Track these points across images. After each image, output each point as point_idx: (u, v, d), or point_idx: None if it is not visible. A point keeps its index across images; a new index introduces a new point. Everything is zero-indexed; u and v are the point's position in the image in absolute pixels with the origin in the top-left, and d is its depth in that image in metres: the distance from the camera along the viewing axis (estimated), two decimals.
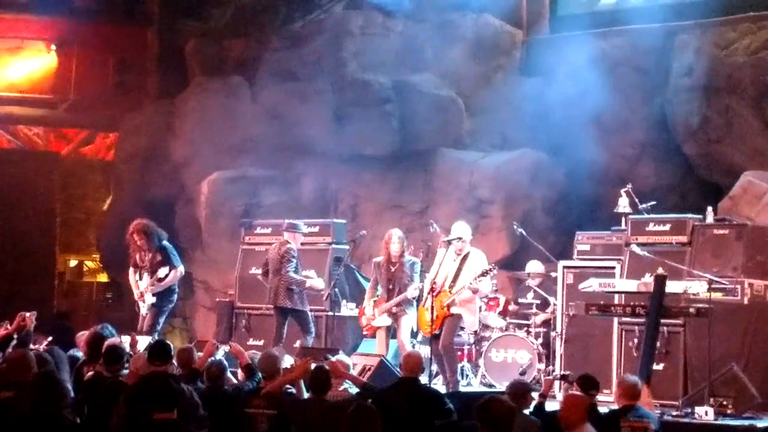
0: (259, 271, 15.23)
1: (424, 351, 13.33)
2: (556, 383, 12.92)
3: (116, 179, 21.63)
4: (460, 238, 13.75)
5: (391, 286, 13.99)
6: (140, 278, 15.03)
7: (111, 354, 10.53)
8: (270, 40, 19.63)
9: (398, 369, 11.66)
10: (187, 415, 9.38)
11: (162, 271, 14.82)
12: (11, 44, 22.01)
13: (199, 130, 19.63)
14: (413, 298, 13.89)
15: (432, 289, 13.36)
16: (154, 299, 14.84)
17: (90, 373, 11.04)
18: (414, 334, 14.27)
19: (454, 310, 13.44)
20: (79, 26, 22.01)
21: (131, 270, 15.22)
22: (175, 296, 15.37)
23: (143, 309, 14.91)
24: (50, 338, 13.41)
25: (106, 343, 11.19)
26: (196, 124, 19.70)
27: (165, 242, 15.19)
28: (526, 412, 9.95)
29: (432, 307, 13.33)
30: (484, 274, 13.41)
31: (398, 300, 13.87)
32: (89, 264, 24.44)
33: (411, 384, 10.54)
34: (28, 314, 13.08)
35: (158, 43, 22.06)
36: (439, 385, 13.41)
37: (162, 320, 15.04)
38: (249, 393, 10.52)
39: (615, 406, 10.08)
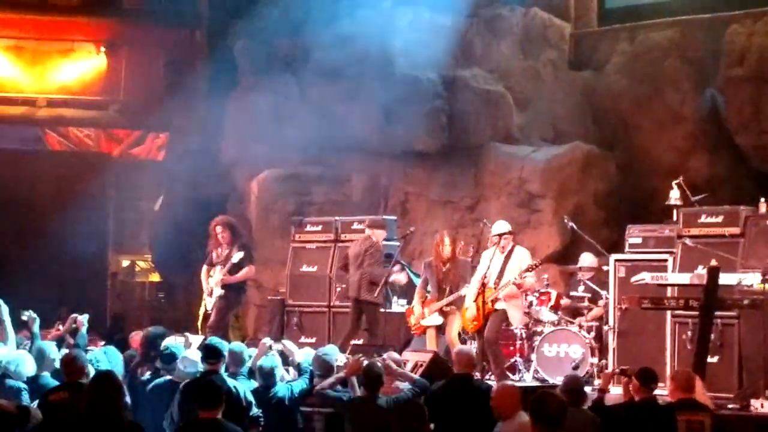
0: (313, 269, 15.32)
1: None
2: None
3: (167, 179, 21.75)
4: (511, 232, 13.77)
5: (444, 286, 14.02)
6: (212, 274, 15.09)
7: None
8: (318, 38, 19.65)
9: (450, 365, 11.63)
10: (239, 415, 9.41)
11: (236, 256, 14.87)
12: (62, 46, 22.17)
13: (249, 129, 19.70)
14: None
15: (483, 285, 13.38)
16: (222, 292, 14.90)
17: (148, 373, 11.12)
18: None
19: (498, 305, 13.44)
20: (128, 27, 22.15)
21: (205, 267, 15.30)
22: (244, 296, 15.44)
23: (209, 304, 14.98)
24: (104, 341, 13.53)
25: (164, 342, 11.23)
26: (246, 123, 19.77)
27: (246, 242, 15.32)
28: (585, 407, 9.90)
29: (479, 304, 13.40)
30: (529, 269, 13.44)
31: (452, 298, 13.90)
32: (141, 264, 24.60)
33: (464, 380, 10.53)
34: (79, 317, 13.21)
35: (207, 42, 22.15)
36: (493, 381, 13.38)
37: (228, 317, 15.07)
38: (302, 392, 10.55)
39: (669, 400, 10.00)
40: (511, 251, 13.66)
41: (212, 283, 15.06)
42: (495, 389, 8.94)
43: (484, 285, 13.42)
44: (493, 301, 13.44)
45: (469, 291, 13.80)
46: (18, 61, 22.15)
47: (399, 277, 15.04)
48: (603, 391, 10.54)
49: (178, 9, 22.42)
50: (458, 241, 14.48)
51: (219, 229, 15.18)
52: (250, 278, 15.54)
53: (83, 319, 13.27)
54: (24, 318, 12.36)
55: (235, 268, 15.02)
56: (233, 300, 15.21)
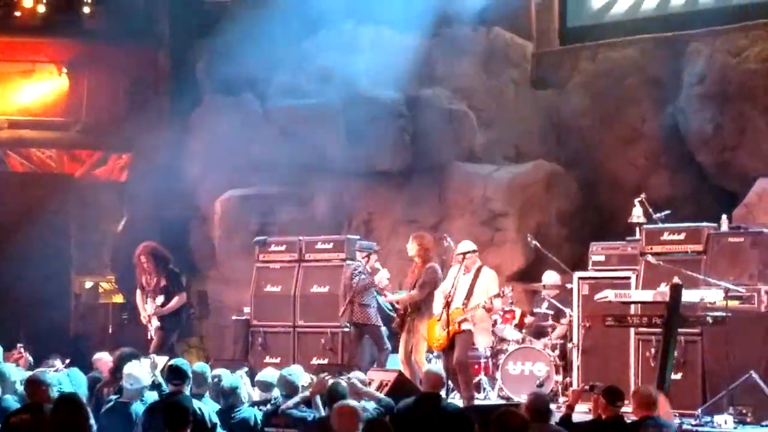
0: (277, 289, 15.49)
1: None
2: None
3: (130, 200, 21.65)
4: (474, 251, 13.81)
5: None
6: (146, 302, 15.24)
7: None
8: (281, 58, 19.64)
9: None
10: None
11: (159, 299, 15.04)
12: (23, 67, 22.05)
13: (212, 149, 19.66)
14: None
15: (447, 304, 13.37)
16: (159, 323, 15.08)
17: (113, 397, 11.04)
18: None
19: (465, 326, 13.45)
20: (90, 48, 22.03)
21: (138, 292, 15.51)
22: (183, 316, 15.53)
23: (151, 331, 15.14)
24: (68, 360, 13.44)
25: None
26: (209, 142, 19.73)
27: (171, 266, 15.35)
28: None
29: (445, 323, 13.40)
30: (497, 296, 13.47)
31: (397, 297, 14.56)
32: (105, 285, 24.43)
33: (432, 399, 10.52)
34: (24, 354, 13.34)
35: (170, 62, 22.07)
36: (457, 400, 13.38)
37: (170, 341, 15.12)
38: (267, 412, 10.50)
39: (633, 418, 10.03)
40: (478, 271, 13.67)
41: (149, 310, 15.22)
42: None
43: (448, 303, 13.41)
44: (460, 322, 13.44)
45: (437, 305, 13.79)
46: None
47: (382, 274, 14.99)
48: (570, 407, 10.55)
49: (139, 29, 22.33)
50: (429, 243, 14.44)
51: (143, 258, 15.35)
52: (179, 305, 15.55)
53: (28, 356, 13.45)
54: None
55: (165, 295, 15.12)
56: (171, 326, 15.32)
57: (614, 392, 9.98)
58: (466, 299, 13.48)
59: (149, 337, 15.22)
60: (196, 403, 9.91)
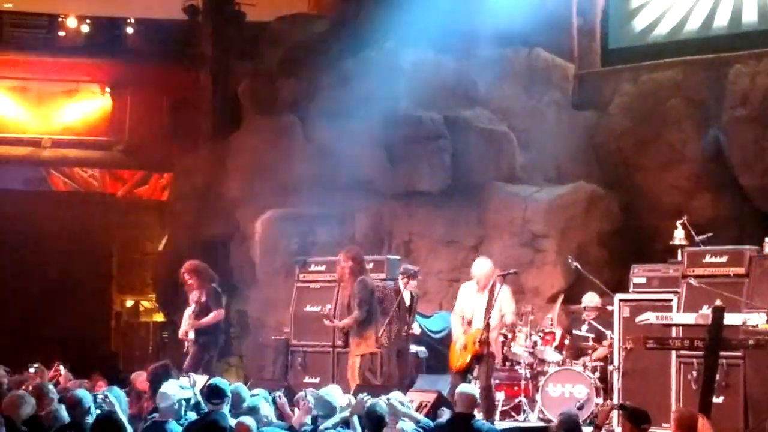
0: (317, 308, 15.47)
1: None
2: (614, 415, 12.83)
3: (171, 219, 21.77)
4: (515, 272, 13.88)
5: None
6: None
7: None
8: (321, 79, 19.70)
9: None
10: None
11: (193, 308, 15.10)
12: (67, 87, 22.31)
13: (252, 169, 19.74)
14: None
15: (467, 323, 13.56)
16: (194, 336, 15.12)
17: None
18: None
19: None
20: (133, 68, 22.27)
21: (186, 311, 15.47)
22: (220, 334, 15.53)
23: (187, 346, 15.20)
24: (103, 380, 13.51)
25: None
26: (250, 163, 19.81)
27: (213, 284, 15.40)
28: None
29: (469, 343, 13.55)
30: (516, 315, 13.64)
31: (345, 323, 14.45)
32: (145, 304, 24.60)
33: (466, 420, 10.49)
34: (63, 371, 13.38)
35: (211, 83, 22.22)
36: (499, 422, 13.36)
37: (205, 357, 15.10)
38: None
39: None
40: (492, 287, 13.67)
41: (185, 326, 15.28)
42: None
43: (468, 323, 13.54)
44: (482, 343, 13.44)
45: (454, 327, 13.93)
46: (23, 102, 22.27)
47: None
48: (598, 428, 10.47)
49: (182, 50, 22.51)
50: (360, 255, 14.55)
51: (186, 276, 15.41)
52: (218, 322, 15.57)
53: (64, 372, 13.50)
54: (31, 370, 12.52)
55: (202, 312, 15.15)
56: (206, 343, 15.28)
57: (640, 415, 9.89)
58: (486, 317, 13.50)
59: (185, 352, 15.25)
60: (232, 422, 9.91)
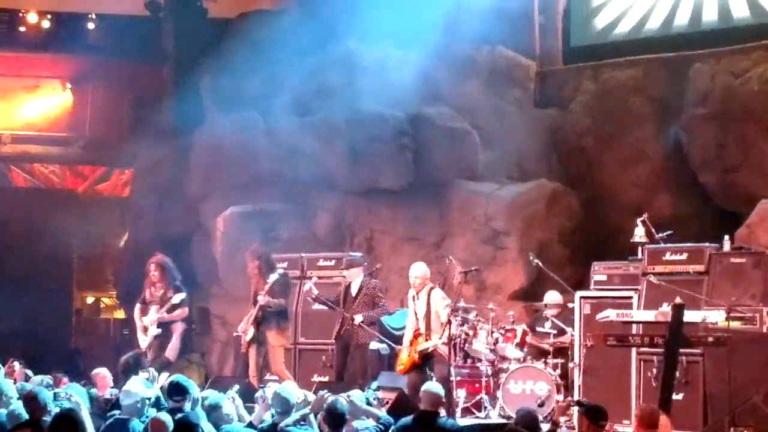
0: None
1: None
2: (574, 412, 12.88)
3: (132, 216, 21.70)
4: (477, 269, 14.04)
5: None
6: (145, 313, 15.24)
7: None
8: (285, 75, 19.67)
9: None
10: None
11: (177, 297, 15.05)
12: (27, 83, 22.17)
13: (214, 166, 19.70)
14: None
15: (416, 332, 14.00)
16: (158, 331, 15.05)
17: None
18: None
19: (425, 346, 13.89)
20: (94, 64, 22.15)
21: (138, 305, 15.48)
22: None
23: (144, 343, 15.12)
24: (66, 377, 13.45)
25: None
26: (212, 159, 19.76)
27: (178, 282, 15.40)
28: None
29: (411, 351, 14.07)
30: (448, 324, 13.67)
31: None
32: (106, 301, 24.51)
33: (431, 417, 10.50)
34: (17, 368, 13.34)
35: (173, 79, 22.13)
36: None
37: (164, 355, 15.07)
38: (263, 430, 10.43)
39: None
40: (429, 293, 13.90)
41: (146, 321, 15.22)
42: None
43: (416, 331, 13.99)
44: (419, 353, 13.75)
45: (405, 334, 14.29)
46: None
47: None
48: (556, 423, 10.49)
49: (144, 46, 22.42)
50: (266, 254, 14.88)
51: (152, 267, 15.39)
52: (180, 318, 15.60)
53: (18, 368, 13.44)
54: None
55: (172, 308, 15.15)
56: (168, 338, 15.25)
57: (598, 411, 9.92)
58: (426, 327, 13.90)
59: (144, 349, 15.18)
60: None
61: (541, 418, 11.26)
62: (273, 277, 14.58)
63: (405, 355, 14.16)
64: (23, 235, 21.45)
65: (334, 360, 15.34)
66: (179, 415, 9.61)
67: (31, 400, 10.00)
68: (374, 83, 18.77)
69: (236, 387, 11.63)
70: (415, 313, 14.05)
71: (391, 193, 18.44)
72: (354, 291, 14.72)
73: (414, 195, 18.30)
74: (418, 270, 14.24)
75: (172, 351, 14.81)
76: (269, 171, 19.17)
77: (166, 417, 9.01)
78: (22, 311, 21.01)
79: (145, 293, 15.51)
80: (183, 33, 22.13)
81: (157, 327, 15.20)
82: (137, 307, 15.57)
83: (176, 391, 10.22)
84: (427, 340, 14.00)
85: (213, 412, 10.47)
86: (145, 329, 15.26)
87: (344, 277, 15.19)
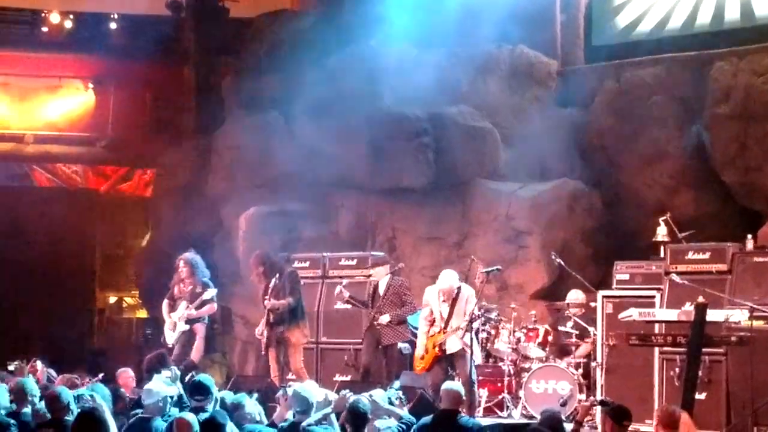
0: None
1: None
2: (597, 412, 12.88)
3: (154, 215, 21.75)
4: (499, 269, 14.02)
5: None
6: (174, 309, 15.28)
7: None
8: (305, 75, 19.69)
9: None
10: None
11: (209, 293, 15.08)
12: (49, 83, 22.23)
13: (236, 166, 19.73)
14: None
15: (431, 326, 13.83)
16: (186, 327, 15.09)
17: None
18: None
19: (453, 345, 13.69)
20: (116, 64, 22.20)
21: (166, 301, 15.52)
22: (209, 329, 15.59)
23: (171, 339, 15.16)
24: (97, 377, 13.47)
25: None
26: (234, 159, 19.80)
27: (208, 280, 15.47)
28: None
29: (430, 347, 13.83)
30: (473, 320, 13.59)
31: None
32: (128, 300, 24.57)
33: (451, 416, 10.51)
34: (40, 367, 13.38)
35: (195, 79, 22.19)
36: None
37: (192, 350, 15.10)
38: (283, 429, 10.45)
39: None
40: (458, 290, 13.80)
41: (175, 317, 15.27)
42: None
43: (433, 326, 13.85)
44: (441, 346, 13.60)
45: (419, 331, 14.11)
46: (5, 97, 22.19)
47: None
48: (579, 423, 10.49)
49: (165, 46, 22.47)
50: (266, 258, 14.96)
51: (181, 264, 15.45)
52: (210, 313, 15.66)
53: (41, 367, 13.49)
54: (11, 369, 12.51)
55: (201, 304, 15.20)
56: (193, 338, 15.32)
57: (621, 412, 9.93)
58: (447, 322, 13.73)
59: (171, 345, 15.22)
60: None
61: (563, 417, 11.25)
62: (273, 281, 14.60)
63: (423, 352, 13.97)
64: (46, 235, 21.51)
65: (359, 359, 15.38)
66: (204, 415, 9.63)
67: (53, 399, 10.05)
68: (395, 83, 18.79)
69: (255, 395, 11.63)
70: (440, 311, 13.91)
71: (413, 193, 18.44)
72: (381, 290, 14.72)
73: (435, 194, 18.29)
74: (452, 278, 13.97)
75: (196, 353, 14.82)
76: (290, 171, 19.19)
77: (191, 417, 9.04)
78: (45, 311, 21.08)
79: (173, 290, 15.56)
80: (204, 33, 22.18)
81: (186, 323, 15.25)
82: (165, 303, 15.62)
83: (199, 390, 10.25)
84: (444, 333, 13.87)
85: (235, 411, 10.51)
86: (174, 325, 15.31)
87: (368, 276, 15.21)
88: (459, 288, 13.88)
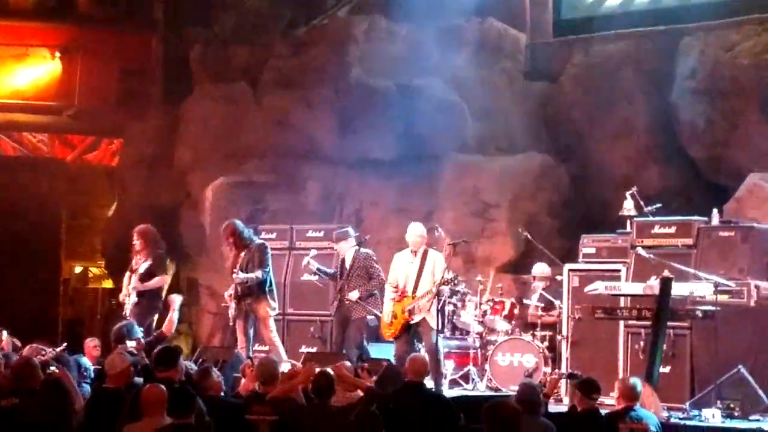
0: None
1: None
2: (562, 384, 12.94)
3: (121, 185, 21.64)
4: (466, 241, 14.01)
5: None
6: (130, 281, 15.24)
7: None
8: (274, 46, 19.63)
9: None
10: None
11: (143, 266, 15.00)
12: (16, 51, 22.01)
13: (203, 136, 19.66)
14: None
15: (402, 293, 13.68)
16: (136, 299, 14.97)
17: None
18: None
19: (417, 316, 13.57)
20: (83, 33, 22.02)
21: (127, 274, 15.43)
22: (160, 303, 15.42)
23: (127, 311, 15.07)
24: (65, 344, 13.41)
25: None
26: (201, 130, 19.72)
27: (159, 250, 15.34)
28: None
29: (398, 312, 13.76)
30: (445, 283, 13.48)
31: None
32: (94, 270, 24.45)
33: (417, 388, 10.52)
34: (4, 337, 13.34)
35: (163, 49, 22.05)
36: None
37: (145, 322, 14.95)
38: (252, 399, 10.45)
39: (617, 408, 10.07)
40: (424, 255, 13.76)
41: (128, 290, 15.22)
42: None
43: (400, 291, 13.76)
44: (410, 311, 13.59)
45: (386, 297, 14.03)
46: None
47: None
48: (547, 396, 10.54)
49: (133, 15, 22.32)
50: (239, 228, 14.80)
51: (135, 237, 15.39)
52: (161, 288, 15.55)
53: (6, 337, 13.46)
54: None
55: (147, 276, 15.10)
56: (146, 308, 15.17)
57: (590, 384, 10.00)
58: (415, 286, 13.69)
59: (123, 315, 15.12)
60: None
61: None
62: (243, 253, 14.55)
63: (392, 318, 13.88)
64: (11, 204, 21.38)
65: (325, 330, 15.39)
66: (172, 385, 9.58)
67: (20, 368, 10.00)
68: (364, 54, 18.75)
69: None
70: (406, 276, 13.88)
71: (381, 165, 18.43)
72: (348, 264, 14.65)
73: (404, 166, 18.28)
74: (418, 228, 14.07)
75: (169, 325, 14.74)
76: (258, 142, 19.15)
77: (158, 387, 9.00)
78: (9, 280, 20.96)
79: (132, 261, 15.51)
80: (172, 3, 22.03)
81: (137, 296, 15.13)
82: (126, 275, 15.56)
83: (166, 360, 10.21)
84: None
85: (200, 382, 10.49)
86: (127, 296, 15.24)
87: (335, 249, 15.18)
88: (426, 251, 13.86)
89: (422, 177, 18.23)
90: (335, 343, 14.86)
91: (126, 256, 15.93)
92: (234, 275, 14.47)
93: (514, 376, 13.94)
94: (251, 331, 14.67)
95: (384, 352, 14.26)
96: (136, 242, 15.38)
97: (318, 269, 15.03)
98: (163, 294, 15.66)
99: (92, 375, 11.89)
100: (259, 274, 14.44)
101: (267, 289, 14.63)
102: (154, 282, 15.17)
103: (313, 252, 15.36)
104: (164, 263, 15.56)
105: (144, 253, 15.27)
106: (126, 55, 22.46)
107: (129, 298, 15.14)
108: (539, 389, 10.20)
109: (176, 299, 14.75)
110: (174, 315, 14.63)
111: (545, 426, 9.58)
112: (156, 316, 15.33)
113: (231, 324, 14.79)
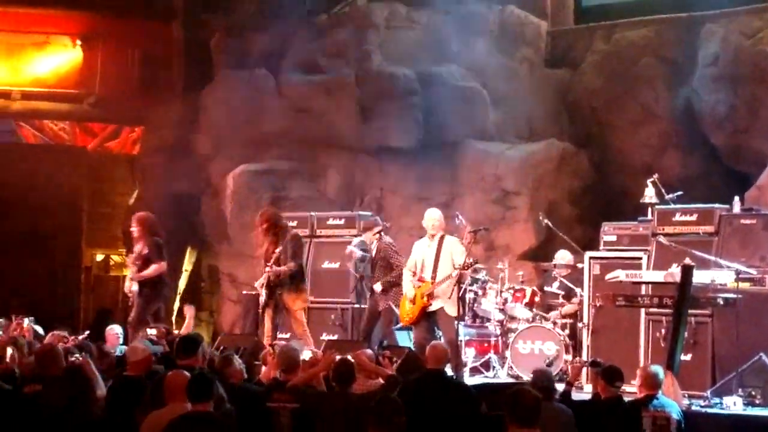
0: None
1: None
2: (584, 372, 12.92)
3: (142, 173, 21.69)
4: (486, 228, 13.97)
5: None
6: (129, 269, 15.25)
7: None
8: (294, 33, 19.63)
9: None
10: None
11: (140, 248, 14.99)
12: (37, 39, 22.07)
13: (224, 124, 19.68)
14: None
15: (420, 279, 13.63)
16: (137, 288, 14.91)
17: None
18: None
19: (436, 303, 13.52)
20: (104, 21, 22.05)
21: (129, 263, 15.41)
22: (164, 288, 15.36)
23: (131, 298, 15.04)
24: (87, 332, 13.46)
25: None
26: (222, 117, 19.74)
27: (156, 238, 15.22)
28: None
29: (417, 297, 13.61)
30: (466, 267, 13.42)
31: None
32: (116, 258, 24.50)
33: (438, 376, 10.52)
34: (26, 324, 13.32)
35: (183, 37, 22.07)
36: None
37: (149, 310, 14.92)
38: (273, 387, 10.46)
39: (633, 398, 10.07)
40: (441, 240, 13.71)
41: (129, 277, 15.21)
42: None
43: (418, 277, 13.66)
44: (429, 296, 13.52)
45: (405, 281, 13.90)
46: None
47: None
48: (570, 384, 10.54)
49: (154, 3, 22.34)
50: (273, 216, 14.63)
51: (132, 225, 15.31)
52: (161, 274, 15.44)
53: (27, 324, 13.47)
54: None
55: (145, 264, 15.02)
56: (149, 296, 15.10)
57: (613, 372, 9.98)
58: (434, 272, 13.57)
59: (129, 304, 15.11)
60: None
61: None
62: (279, 248, 14.42)
63: (410, 305, 13.77)
64: (33, 193, 21.43)
65: (345, 318, 15.37)
66: (193, 372, 9.60)
67: (43, 355, 10.05)
68: (384, 41, 18.74)
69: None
70: (423, 261, 13.84)
71: (401, 152, 18.43)
72: (372, 253, 14.64)
73: (424, 154, 18.28)
74: (435, 213, 13.96)
75: (185, 332, 14.65)
76: (279, 130, 19.16)
77: (182, 373, 9.02)
78: (31, 268, 21.04)
79: (133, 250, 15.46)
80: None
81: (138, 286, 15.05)
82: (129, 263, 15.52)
83: (187, 348, 10.22)
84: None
85: (223, 369, 10.51)
86: (130, 286, 15.18)
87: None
88: (442, 236, 13.81)
89: (442, 164, 18.22)
90: (363, 331, 14.85)
91: None
92: (267, 269, 14.28)
93: (534, 363, 13.85)
94: (278, 321, 14.62)
95: (404, 340, 14.26)
96: (134, 229, 15.30)
97: (361, 258, 14.95)
98: (167, 279, 15.61)
99: (110, 362, 11.93)
100: (291, 265, 14.28)
101: (299, 280, 14.47)
102: (151, 270, 15.00)
103: (356, 240, 15.25)
104: (161, 250, 15.39)
105: (142, 240, 15.18)
106: (146, 43, 22.49)
107: (132, 289, 15.11)
108: (551, 375, 10.19)
109: (190, 309, 14.79)
110: (190, 322, 14.63)
111: (560, 410, 9.60)
112: (162, 304, 15.30)
113: (260, 311, 14.72)
